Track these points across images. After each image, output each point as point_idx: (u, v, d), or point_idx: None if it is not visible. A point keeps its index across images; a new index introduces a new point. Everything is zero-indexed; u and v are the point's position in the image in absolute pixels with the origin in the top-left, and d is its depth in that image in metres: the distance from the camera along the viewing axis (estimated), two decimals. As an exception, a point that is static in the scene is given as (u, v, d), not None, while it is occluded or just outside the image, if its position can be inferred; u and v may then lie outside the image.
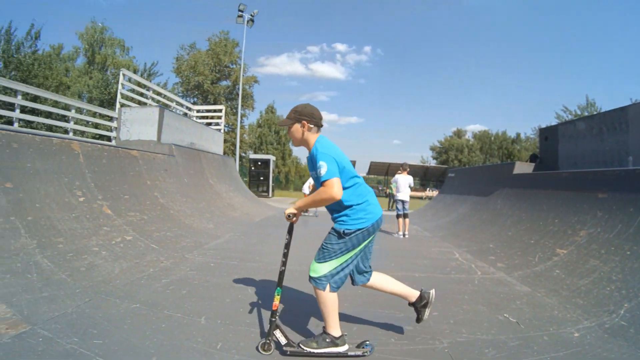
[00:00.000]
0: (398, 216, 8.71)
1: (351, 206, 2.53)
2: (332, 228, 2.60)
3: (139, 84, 13.48)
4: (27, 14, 55.82)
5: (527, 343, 2.96)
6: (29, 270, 3.48)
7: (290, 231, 2.72)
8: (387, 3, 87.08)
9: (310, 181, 9.21)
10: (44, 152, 5.11)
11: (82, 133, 14.18)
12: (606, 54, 65.23)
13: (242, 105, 34.99)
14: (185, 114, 15.26)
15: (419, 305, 2.85)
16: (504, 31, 77.90)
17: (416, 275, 5.01)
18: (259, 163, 26.22)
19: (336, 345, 2.51)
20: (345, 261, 2.54)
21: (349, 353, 2.54)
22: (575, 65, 68.42)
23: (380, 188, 43.57)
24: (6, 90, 10.76)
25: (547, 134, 12.92)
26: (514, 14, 75.01)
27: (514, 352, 2.79)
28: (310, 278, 2.55)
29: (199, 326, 2.94)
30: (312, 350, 2.51)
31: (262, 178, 25.42)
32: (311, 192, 2.80)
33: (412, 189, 9.09)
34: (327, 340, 2.51)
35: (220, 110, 17.57)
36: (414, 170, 42.49)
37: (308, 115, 2.63)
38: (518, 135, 53.09)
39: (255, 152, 41.16)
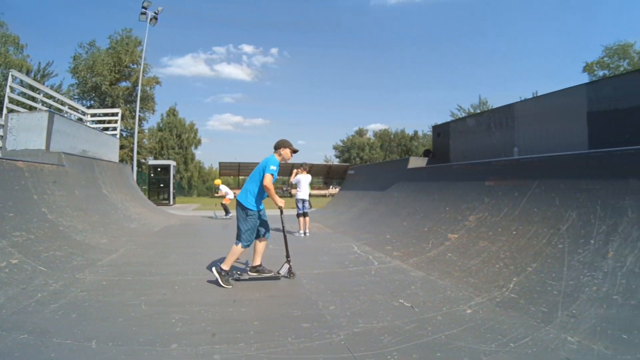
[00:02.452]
0: (298, 215, 8.99)
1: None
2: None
3: (31, 87, 12.41)
4: None
5: (422, 325, 3.17)
6: None
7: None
8: (294, 6, 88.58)
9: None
10: None
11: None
12: (499, 53, 73.40)
13: (142, 108, 33.37)
14: (80, 119, 14.36)
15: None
16: (402, 34, 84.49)
17: (315, 272, 5.14)
18: (159, 169, 25.25)
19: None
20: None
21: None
22: (470, 65, 75.87)
23: (285, 189, 44.09)
24: None
25: (439, 131, 14.16)
26: (412, 17, 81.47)
27: (409, 336, 3.00)
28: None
29: (90, 351, 2.81)
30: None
31: (162, 185, 24.52)
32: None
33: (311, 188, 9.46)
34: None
35: (116, 114, 16.73)
36: (317, 169, 43.81)
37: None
38: (415, 132, 57.64)
39: (155, 158, 39.19)
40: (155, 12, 24.59)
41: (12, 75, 10.74)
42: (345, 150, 59.33)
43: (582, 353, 2.66)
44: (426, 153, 14.92)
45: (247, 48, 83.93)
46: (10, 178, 6.62)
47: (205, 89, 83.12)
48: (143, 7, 24.06)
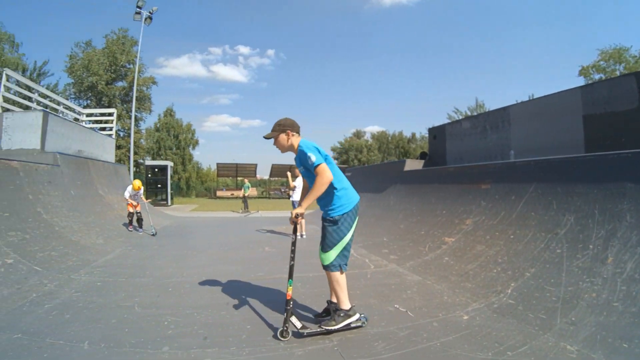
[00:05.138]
0: None
1: (335, 191, 3.08)
2: (325, 219, 3.20)
3: (25, 86, 12.34)
4: None
5: (417, 331, 3.11)
6: None
7: (294, 231, 3.36)
8: (290, 8, 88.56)
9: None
10: None
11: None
12: (497, 57, 73.59)
13: (138, 108, 33.24)
14: (76, 119, 14.29)
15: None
16: (399, 37, 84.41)
17: (310, 275, 5.06)
18: (156, 170, 25.17)
19: (349, 316, 3.11)
20: (348, 241, 3.12)
21: (360, 319, 3.17)
22: (467, 68, 76.00)
23: (283, 190, 44.00)
24: None
25: (435, 133, 14.10)
26: (406, 19, 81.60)
27: (403, 342, 2.96)
28: (324, 266, 3.13)
29: (82, 352, 2.83)
30: (332, 328, 3.04)
31: (159, 186, 24.43)
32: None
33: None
34: (342, 315, 3.09)
35: (111, 114, 16.64)
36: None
37: (290, 126, 3.22)
38: (413, 134, 57.30)
39: (153, 158, 39.04)
40: (149, 12, 24.38)
41: (6, 75, 10.66)
42: (343, 151, 59.17)
43: (581, 362, 2.60)
44: (422, 155, 14.90)
45: (244, 49, 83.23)
46: (5, 178, 6.58)
47: (202, 90, 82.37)
48: (137, 7, 23.85)
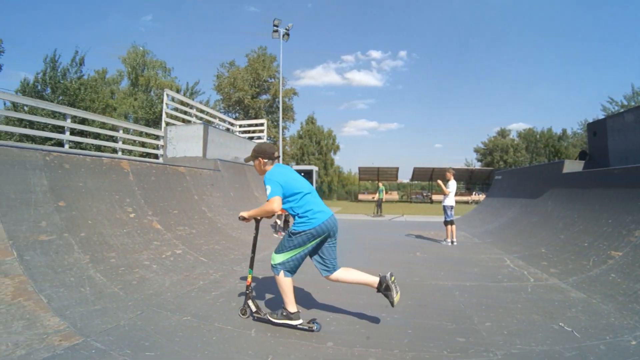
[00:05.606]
0: (447, 223, 8.28)
1: (297, 214, 3.19)
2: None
3: (183, 103, 13.94)
4: (70, 42, 61.86)
5: (583, 353, 2.80)
6: (82, 284, 3.60)
7: (257, 227, 3.64)
8: (418, 6, 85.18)
9: None
10: (95, 171, 5.37)
11: (130, 152, 14.86)
12: None
13: (282, 118, 35.54)
14: (228, 129, 15.61)
15: (383, 290, 3.20)
16: (540, 25, 73.85)
17: (467, 284, 4.76)
18: (302, 174, 25.98)
19: (290, 319, 3.18)
20: (295, 254, 3.16)
21: (299, 326, 3.16)
22: (618, 52, 64.00)
23: (425, 194, 42.33)
24: (55, 114, 11.45)
25: (595, 129, 12.09)
26: (551, 7, 71.39)
27: None
28: (271, 266, 3.22)
29: (249, 339, 2.94)
30: (272, 320, 3.22)
31: (306, 189, 25.44)
32: None
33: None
34: (284, 314, 3.20)
35: (262, 124, 17.85)
36: (458, 174, 41.14)
37: (262, 153, 3.38)
38: (564, 131, 50.21)
39: (297, 163, 41.55)
40: (286, 29, 25.87)
41: (166, 94, 12.11)
42: (487, 152, 54.39)
43: None
44: (582, 155, 12.64)
45: (375, 54, 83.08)
46: (174, 181, 7.26)
47: (339, 97, 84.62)
48: (274, 26, 25.57)
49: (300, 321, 3.20)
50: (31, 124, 16.36)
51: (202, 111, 14.44)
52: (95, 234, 4.51)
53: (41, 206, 4.19)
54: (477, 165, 54.63)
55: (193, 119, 12.88)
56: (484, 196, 21.98)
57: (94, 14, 58.58)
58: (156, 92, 32.40)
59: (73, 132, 9.71)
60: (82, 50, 25.98)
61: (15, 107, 17.02)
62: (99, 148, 12.91)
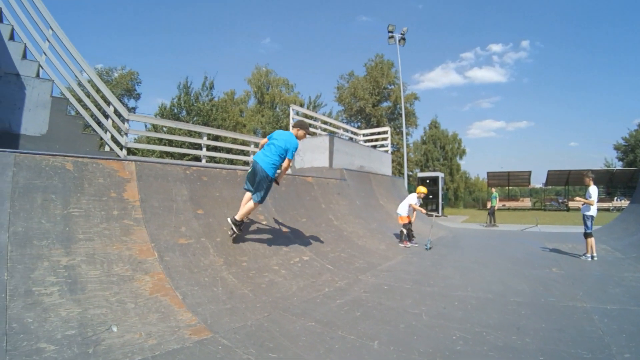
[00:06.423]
0: (588, 235, 7.17)
1: None
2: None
3: (307, 116, 14.66)
4: (198, 70, 70.87)
5: None
6: (215, 284, 3.96)
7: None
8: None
9: (407, 201, 8.31)
10: (230, 182, 5.96)
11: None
12: None
13: (405, 124, 35.06)
14: (351, 139, 15.91)
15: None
16: None
17: (607, 307, 4.16)
18: (427, 181, 25.44)
19: (237, 226, 4.87)
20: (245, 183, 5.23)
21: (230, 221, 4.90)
22: None
23: (560, 200, 36.79)
24: (191, 133, 13.00)
25: None
26: None
27: None
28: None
29: (372, 351, 2.89)
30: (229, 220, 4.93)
31: (431, 196, 24.41)
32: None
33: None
34: (237, 221, 4.91)
35: (385, 132, 17.80)
36: (597, 177, 34.80)
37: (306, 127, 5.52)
38: None
39: (421, 170, 40.38)
40: (401, 33, 25.37)
41: (292, 109, 13.06)
42: (629, 150, 45.29)
43: None
44: None
45: (495, 47, 76.39)
46: (302, 190, 7.67)
47: (462, 98, 79.14)
48: (389, 32, 25.29)
49: (236, 228, 4.84)
50: (169, 142, 18.93)
51: (325, 122, 15.00)
52: (230, 239, 4.95)
53: (182, 213, 4.76)
54: (618, 166, 45.55)
55: (318, 131, 13.44)
56: (627, 202, 18.92)
57: (221, 41, 66.22)
58: (281, 107, 35.09)
59: (208, 148, 10.92)
60: (211, 75, 29.68)
61: (155, 128, 20.04)
62: (231, 161, 14.35)
